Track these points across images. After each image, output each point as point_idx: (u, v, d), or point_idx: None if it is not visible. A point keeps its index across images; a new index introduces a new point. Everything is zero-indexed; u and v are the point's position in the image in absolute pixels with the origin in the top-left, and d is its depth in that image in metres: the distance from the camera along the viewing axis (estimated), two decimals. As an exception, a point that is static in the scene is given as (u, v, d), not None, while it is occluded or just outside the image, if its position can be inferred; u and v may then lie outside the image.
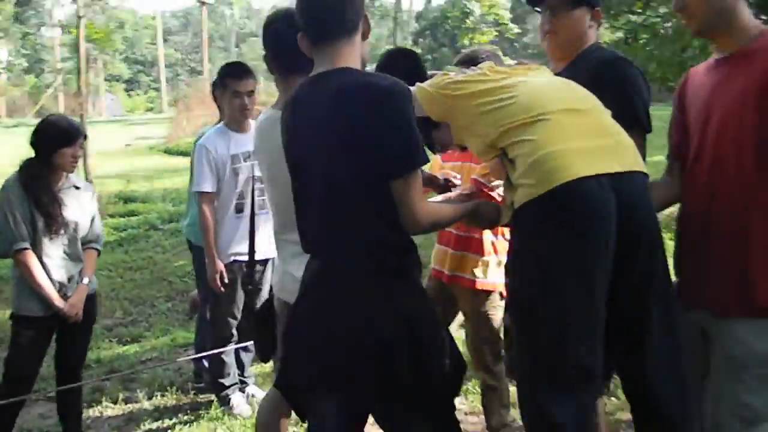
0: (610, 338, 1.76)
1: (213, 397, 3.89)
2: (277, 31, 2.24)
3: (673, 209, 2.14)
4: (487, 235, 2.91)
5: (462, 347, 2.41)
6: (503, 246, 2.94)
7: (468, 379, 3.55)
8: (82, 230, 3.20)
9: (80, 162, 3.24)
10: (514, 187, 1.79)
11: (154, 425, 3.71)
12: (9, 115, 36.74)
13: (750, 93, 1.79)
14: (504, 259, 2.91)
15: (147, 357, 4.94)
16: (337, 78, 1.77)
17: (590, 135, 1.78)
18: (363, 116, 1.71)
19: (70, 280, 3.15)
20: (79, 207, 3.19)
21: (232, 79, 3.46)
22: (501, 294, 2.96)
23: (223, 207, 3.60)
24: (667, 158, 2.11)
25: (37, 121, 3.29)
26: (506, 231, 2.81)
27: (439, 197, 2.32)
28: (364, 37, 1.88)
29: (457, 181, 2.70)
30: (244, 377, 3.94)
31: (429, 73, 2.41)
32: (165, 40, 43.19)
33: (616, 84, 2.05)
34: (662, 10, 8.27)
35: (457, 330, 3.24)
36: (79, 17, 10.15)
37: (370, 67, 2.21)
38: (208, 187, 3.54)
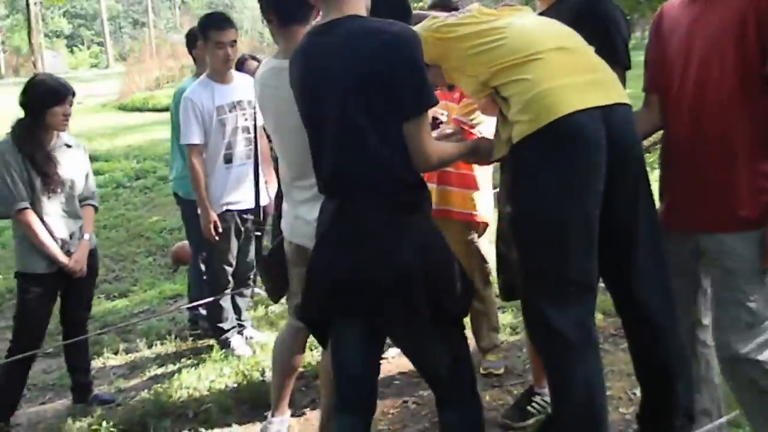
0: (602, 256, 1.94)
1: (212, 342, 4.05)
2: None
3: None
4: (475, 170, 3.08)
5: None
6: (483, 181, 3.14)
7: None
8: (78, 187, 3.27)
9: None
10: (510, 124, 1.92)
11: (159, 371, 3.86)
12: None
13: (726, 32, 1.95)
14: (482, 192, 3.14)
15: (139, 310, 5.05)
16: (347, 25, 1.87)
17: (579, 71, 1.92)
18: (375, 61, 1.82)
19: (71, 236, 3.23)
20: (73, 165, 3.25)
21: (214, 30, 3.49)
22: (481, 224, 3.17)
23: (211, 158, 3.68)
24: (643, 91, 2.26)
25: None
26: (475, 167, 3.00)
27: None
28: None
29: (443, 118, 2.85)
30: (242, 321, 4.10)
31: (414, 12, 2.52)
32: (105, -8, 41.53)
33: (598, 23, 2.20)
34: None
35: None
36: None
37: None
38: (196, 139, 3.61)
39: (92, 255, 3.34)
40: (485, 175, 3.18)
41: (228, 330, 3.95)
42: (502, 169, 2.47)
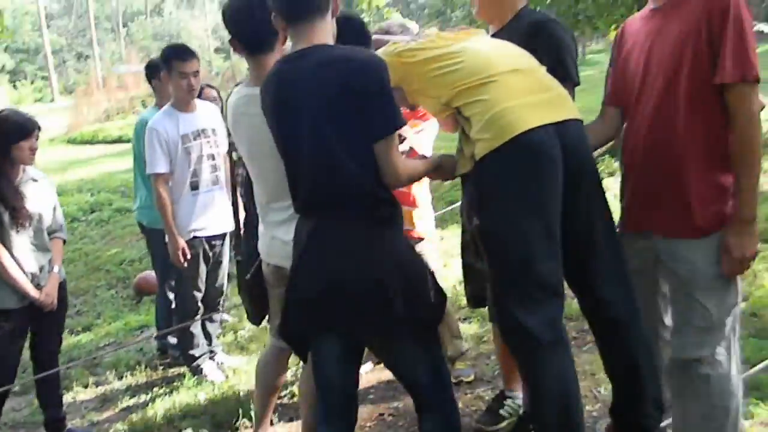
0: (565, 261, 2.07)
1: (183, 370, 4.06)
2: (239, 13, 2.38)
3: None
4: (413, 189, 3.20)
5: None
6: (421, 199, 3.28)
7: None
8: (46, 221, 3.28)
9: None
10: (473, 142, 2.06)
11: (131, 401, 3.85)
12: None
13: (680, 46, 2.04)
14: (421, 210, 3.27)
15: (104, 343, 5.02)
16: (318, 53, 1.98)
17: (533, 91, 2.07)
18: (346, 86, 1.93)
19: (41, 270, 3.23)
20: (40, 198, 3.26)
21: (177, 60, 3.56)
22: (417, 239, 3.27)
23: (178, 186, 3.72)
24: (602, 104, 2.39)
25: None
26: (414, 185, 3.13)
27: None
28: (333, 14, 2.09)
29: (405, 135, 2.99)
30: (212, 347, 4.12)
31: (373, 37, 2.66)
32: (47, 26, 40.79)
33: (549, 43, 2.36)
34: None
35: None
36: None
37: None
38: (162, 168, 3.65)
39: (62, 288, 3.35)
40: (423, 193, 3.31)
41: (199, 356, 3.97)
42: (465, 184, 2.60)
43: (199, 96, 4.12)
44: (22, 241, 3.17)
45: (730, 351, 2.12)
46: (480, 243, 2.17)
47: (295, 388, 3.14)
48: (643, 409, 2.14)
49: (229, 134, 2.85)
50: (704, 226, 2.07)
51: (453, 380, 3.29)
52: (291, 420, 3.26)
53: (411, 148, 3.10)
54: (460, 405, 3.10)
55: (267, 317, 2.81)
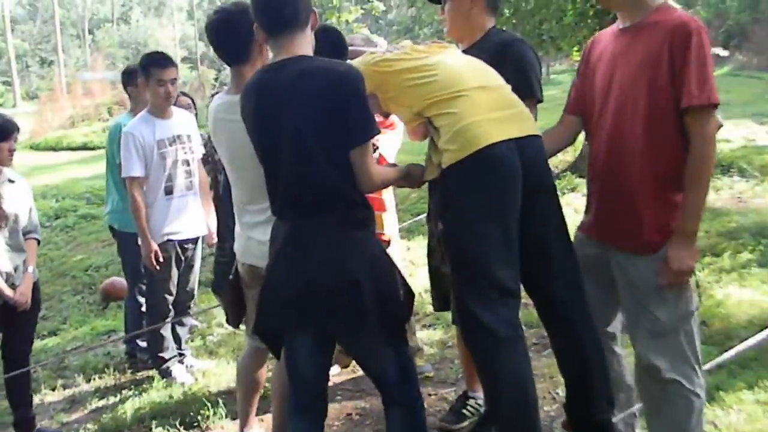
0: (523, 266, 2.20)
1: (151, 373, 4.11)
2: (220, 24, 2.51)
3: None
4: (383, 194, 3.34)
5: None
6: (388, 203, 3.43)
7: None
8: (22, 221, 3.33)
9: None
10: (440, 151, 2.20)
11: (100, 403, 3.89)
12: None
13: (643, 69, 2.13)
14: (389, 213, 3.41)
15: (72, 347, 5.02)
16: (299, 64, 2.11)
17: (498, 107, 2.22)
18: (325, 97, 2.06)
19: (15, 269, 3.28)
20: (17, 199, 3.31)
21: (155, 68, 3.65)
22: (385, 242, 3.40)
23: (152, 190, 3.79)
24: (563, 111, 2.51)
25: None
26: (383, 191, 3.26)
27: None
28: (312, 28, 2.22)
29: (377, 143, 3.12)
30: (182, 350, 4.18)
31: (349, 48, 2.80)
32: (11, 30, 40.13)
33: (515, 62, 2.53)
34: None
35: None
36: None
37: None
38: (137, 172, 3.72)
39: (35, 288, 3.39)
40: (390, 198, 3.46)
41: (169, 359, 4.03)
42: (432, 191, 2.74)
43: (175, 103, 4.21)
44: (-3, 240, 3.21)
45: (687, 355, 2.22)
46: (443, 247, 2.31)
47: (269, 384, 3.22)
48: (594, 403, 2.28)
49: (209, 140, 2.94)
50: (655, 242, 2.20)
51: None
52: (265, 413, 3.33)
53: (380, 155, 3.24)
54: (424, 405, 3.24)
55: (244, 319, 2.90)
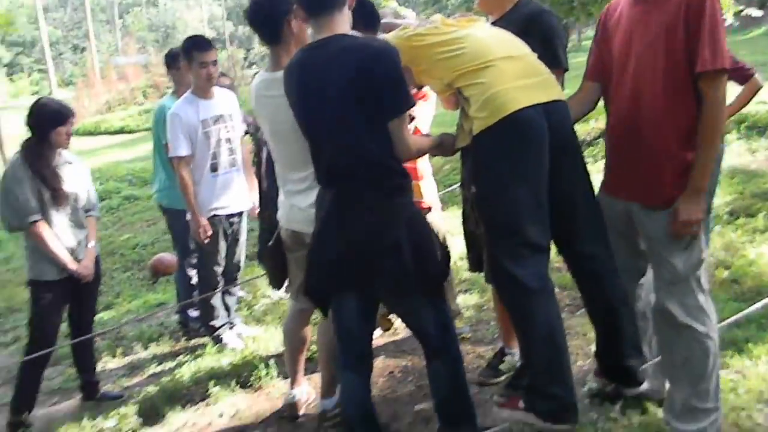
0: (552, 223, 2.35)
1: (204, 340, 4.36)
2: (256, 7, 2.67)
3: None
4: (418, 163, 3.48)
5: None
6: (424, 172, 3.56)
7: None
8: (82, 200, 3.57)
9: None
10: (471, 119, 2.35)
11: (159, 368, 4.16)
12: None
13: (660, 34, 2.24)
14: (425, 181, 3.55)
15: (126, 319, 5.31)
16: (338, 42, 2.27)
17: (524, 75, 2.35)
18: (364, 71, 2.22)
19: (78, 245, 3.53)
20: (76, 179, 3.56)
21: (197, 51, 3.84)
22: (425, 208, 3.55)
23: (198, 168, 4.01)
24: (583, 78, 2.64)
25: None
26: (419, 160, 3.40)
27: None
28: (350, 7, 2.38)
29: (413, 114, 3.27)
30: (231, 318, 4.42)
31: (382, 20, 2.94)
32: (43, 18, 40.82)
33: (542, 32, 2.66)
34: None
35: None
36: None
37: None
38: (184, 151, 3.93)
39: (97, 262, 3.64)
40: (426, 167, 3.59)
41: (220, 327, 4.27)
42: (464, 158, 2.88)
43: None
44: (61, 218, 3.46)
45: (699, 301, 2.39)
46: (477, 209, 2.47)
47: (314, 346, 3.42)
48: (622, 350, 2.45)
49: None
50: (671, 197, 2.34)
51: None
52: (312, 373, 3.56)
53: (415, 127, 3.39)
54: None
55: (287, 284, 3.11)
